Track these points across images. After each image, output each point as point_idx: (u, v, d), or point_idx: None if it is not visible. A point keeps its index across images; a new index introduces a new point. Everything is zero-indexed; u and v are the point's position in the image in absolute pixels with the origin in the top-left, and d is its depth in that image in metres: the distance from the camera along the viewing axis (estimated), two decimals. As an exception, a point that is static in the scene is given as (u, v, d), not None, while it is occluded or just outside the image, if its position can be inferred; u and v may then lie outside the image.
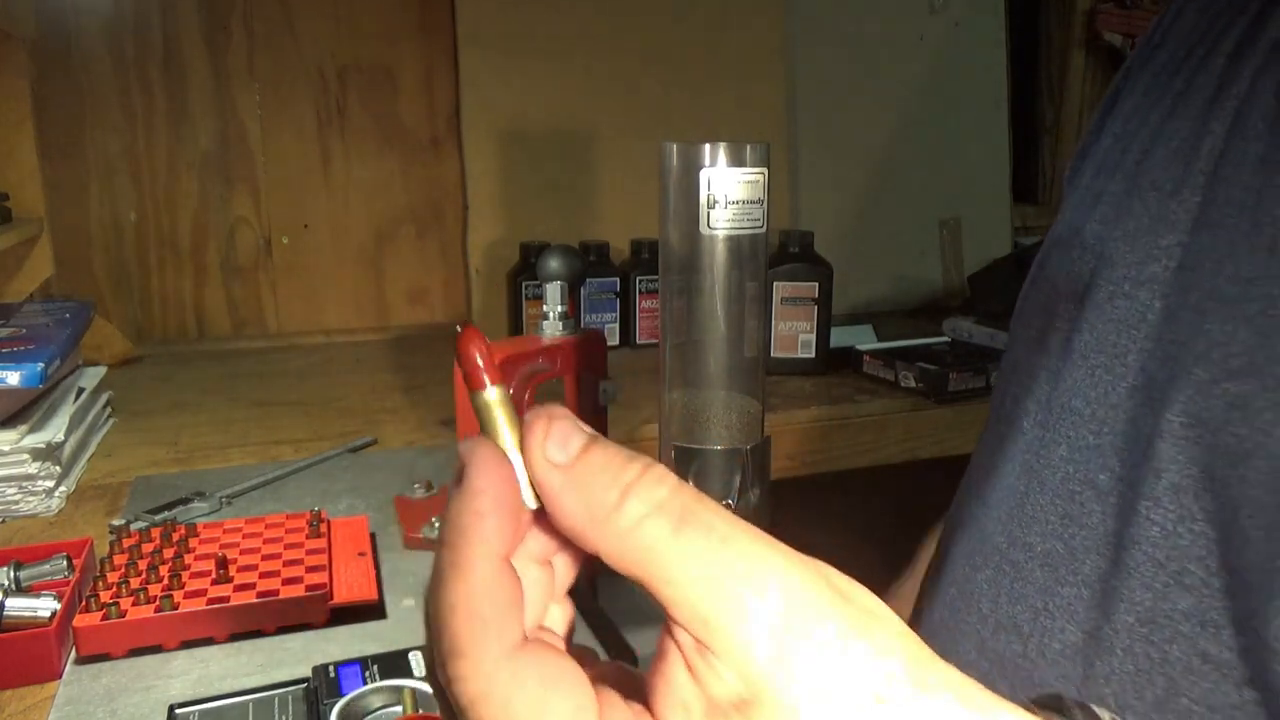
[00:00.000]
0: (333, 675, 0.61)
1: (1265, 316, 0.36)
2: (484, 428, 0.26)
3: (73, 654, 0.66)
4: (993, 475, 0.49)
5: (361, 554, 0.78)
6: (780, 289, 1.43)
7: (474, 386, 0.26)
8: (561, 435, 0.25)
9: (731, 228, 0.47)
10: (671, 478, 0.24)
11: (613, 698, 0.24)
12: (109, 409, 1.20)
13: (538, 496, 0.25)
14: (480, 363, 0.26)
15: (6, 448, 0.91)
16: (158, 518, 0.87)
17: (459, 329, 0.26)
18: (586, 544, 0.24)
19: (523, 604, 0.25)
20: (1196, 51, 0.47)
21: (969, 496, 0.53)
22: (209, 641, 0.68)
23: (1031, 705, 0.26)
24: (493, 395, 0.26)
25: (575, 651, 0.28)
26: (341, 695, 0.58)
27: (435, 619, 0.24)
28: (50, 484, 0.93)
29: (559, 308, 0.86)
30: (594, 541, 0.24)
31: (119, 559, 0.74)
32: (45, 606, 0.67)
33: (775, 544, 0.24)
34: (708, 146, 0.46)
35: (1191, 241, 0.41)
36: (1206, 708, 0.37)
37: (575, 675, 0.24)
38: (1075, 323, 0.45)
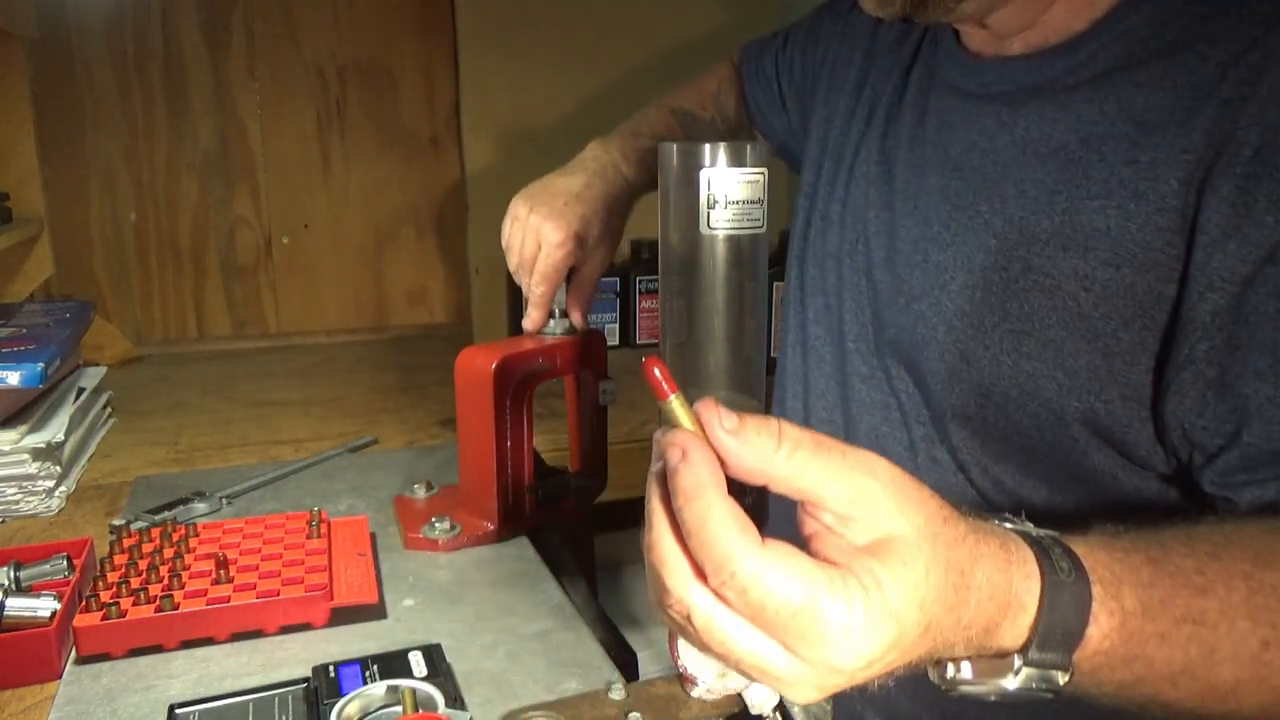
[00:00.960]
0: (333, 675, 0.61)
1: (925, 263, 0.62)
2: (672, 422, 0.37)
3: (73, 654, 0.66)
4: (800, 377, 0.77)
5: (361, 554, 0.78)
6: (780, 289, 1.43)
7: (661, 397, 0.37)
8: (726, 414, 0.36)
9: (731, 228, 0.47)
10: (797, 426, 0.37)
11: (820, 561, 0.36)
12: (109, 409, 1.20)
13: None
14: (662, 379, 0.37)
15: (6, 448, 0.91)
16: (158, 518, 0.87)
17: (644, 359, 0.38)
18: (758, 479, 0.36)
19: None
20: (879, 77, 0.73)
21: (783, 392, 0.80)
22: (209, 641, 0.68)
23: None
24: (675, 400, 0.37)
25: None
26: (341, 695, 0.57)
27: (701, 546, 0.35)
28: (50, 484, 0.93)
29: (558, 307, 0.86)
30: (764, 475, 0.36)
31: (119, 559, 0.74)
32: (45, 606, 0.67)
33: (872, 453, 0.37)
34: (708, 146, 0.46)
35: (877, 218, 0.68)
36: (942, 488, 0.55)
37: (800, 552, 0.36)
38: (837, 274, 0.72)
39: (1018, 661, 0.40)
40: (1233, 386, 0.48)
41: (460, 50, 1.58)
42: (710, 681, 0.56)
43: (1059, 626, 0.39)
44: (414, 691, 0.57)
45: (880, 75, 0.74)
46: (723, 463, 0.36)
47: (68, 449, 0.99)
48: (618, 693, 0.58)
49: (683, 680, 0.57)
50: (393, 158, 1.69)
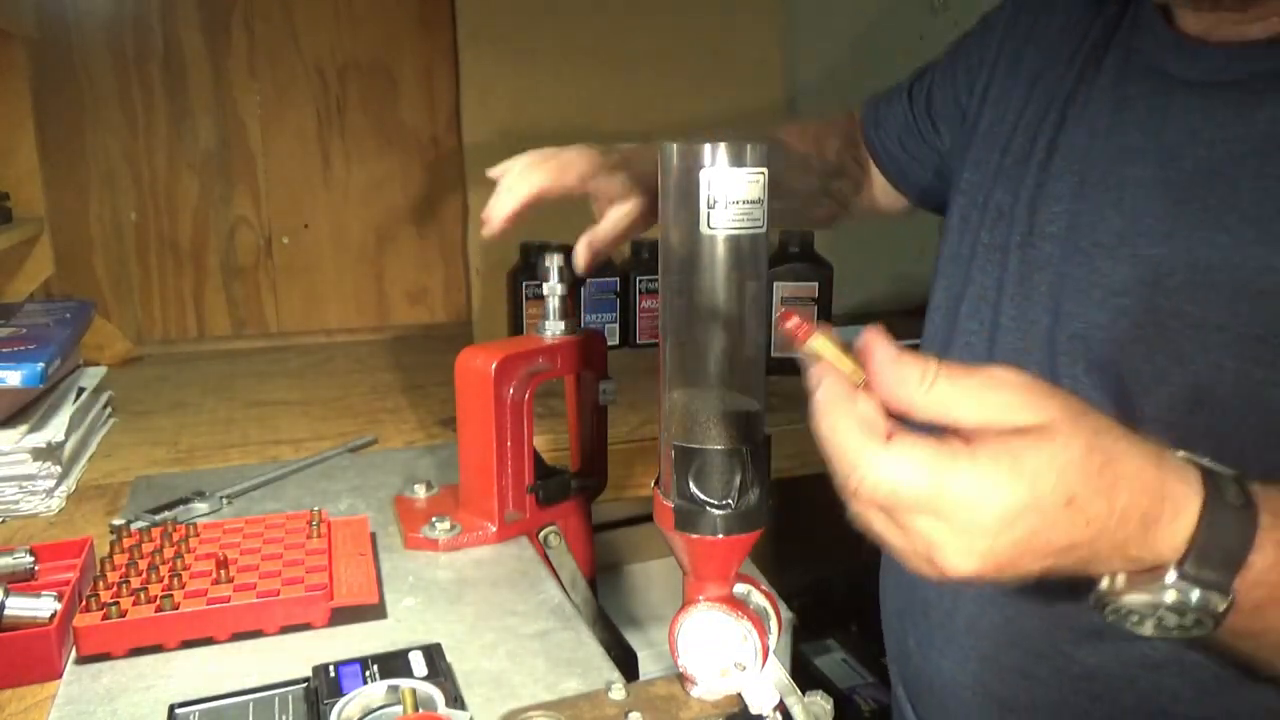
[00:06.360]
0: (333, 675, 0.61)
1: (1134, 257, 0.58)
2: (819, 358, 0.42)
3: (73, 654, 0.66)
4: None
5: (361, 554, 0.78)
6: (780, 289, 1.43)
7: (803, 339, 0.42)
8: (885, 344, 0.39)
9: (731, 228, 0.47)
10: (933, 359, 0.39)
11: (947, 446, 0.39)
12: (109, 409, 1.20)
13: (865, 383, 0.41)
14: (800, 324, 0.42)
15: (7, 447, 0.91)
16: (158, 518, 0.87)
17: (781, 309, 0.40)
18: (902, 406, 0.39)
19: (882, 421, 0.40)
20: (1055, 67, 0.69)
21: None
22: (209, 641, 0.68)
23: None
24: (817, 340, 0.42)
25: None
26: (342, 695, 0.57)
27: (832, 458, 0.39)
28: (50, 484, 0.93)
29: (558, 290, 0.86)
30: (908, 403, 0.39)
31: (119, 559, 0.74)
32: (46, 606, 0.66)
33: (1004, 367, 0.39)
34: (708, 146, 0.46)
35: (1063, 211, 0.64)
36: None
37: (929, 440, 0.39)
38: (1000, 266, 0.68)
39: (1173, 573, 0.39)
40: None
41: (460, 50, 1.58)
42: (710, 681, 0.55)
43: (1220, 543, 0.39)
44: (414, 691, 0.57)
45: (1055, 65, 0.70)
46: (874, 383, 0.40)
47: (68, 449, 0.99)
48: (618, 693, 0.58)
49: (683, 680, 0.57)
50: (393, 158, 1.69)
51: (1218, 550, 0.39)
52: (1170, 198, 0.57)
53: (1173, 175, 0.58)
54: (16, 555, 0.72)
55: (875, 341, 0.40)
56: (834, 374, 0.40)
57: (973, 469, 0.37)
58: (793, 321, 0.42)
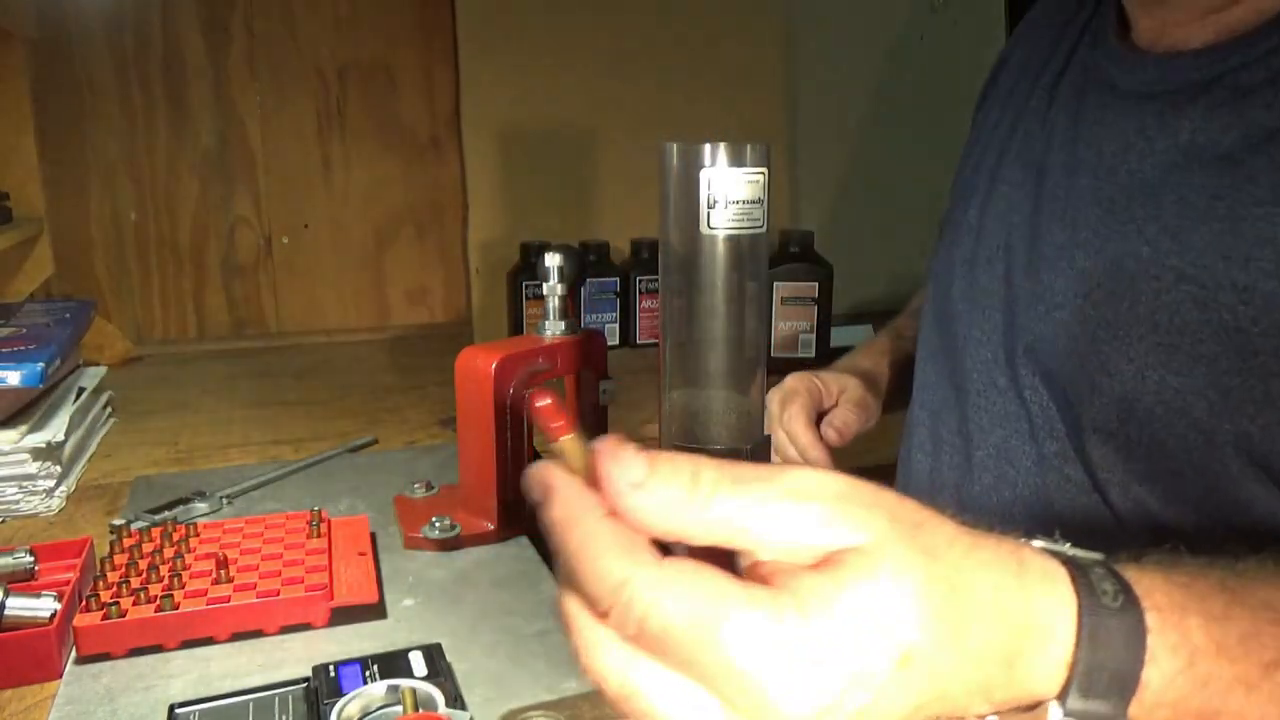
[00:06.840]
0: (333, 675, 0.61)
1: (1071, 270, 0.59)
2: (565, 459, 0.33)
3: (73, 653, 0.66)
4: (928, 384, 0.75)
5: (361, 554, 0.78)
6: (780, 289, 1.43)
7: (551, 438, 0.34)
8: (631, 461, 0.31)
9: (732, 228, 0.47)
10: (705, 462, 0.31)
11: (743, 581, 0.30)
12: (109, 409, 1.20)
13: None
14: (549, 416, 0.34)
15: (7, 447, 0.91)
16: (158, 517, 0.87)
17: (529, 394, 0.33)
18: (668, 534, 0.31)
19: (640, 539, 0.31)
20: (1024, 84, 0.71)
21: (914, 402, 0.78)
22: (209, 641, 0.68)
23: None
24: (569, 439, 0.34)
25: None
26: (342, 695, 0.57)
27: (586, 581, 0.30)
28: (50, 484, 0.93)
29: (558, 290, 0.86)
30: (678, 528, 0.30)
31: (119, 559, 0.74)
32: (46, 606, 0.66)
33: (812, 470, 0.32)
34: (708, 146, 0.46)
35: (1021, 223, 0.65)
36: (1072, 511, 0.57)
37: (717, 569, 0.30)
38: (969, 279, 0.69)
39: (1056, 711, 0.32)
40: None
41: (460, 50, 1.58)
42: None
43: (1106, 664, 0.32)
44: (414, 691, 0.57)
45: (1023, 84, 0.72)
46: (628, 517, 0.31)
47: (68, 449, 0.99)
48: (618, 693, 0.58)
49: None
50: (393, 158, 1.69)
51: (1104, 674, 0.32)
52: (1105, 210, 0.58)
53: (1108, 187, 0.58)
54: (16, 555, 0.72)
55: (609, 462, 0.30)
56: (572, 481, 0.32)
57: (772, 620, 0.28)
58: (546, 404, 0.34)
